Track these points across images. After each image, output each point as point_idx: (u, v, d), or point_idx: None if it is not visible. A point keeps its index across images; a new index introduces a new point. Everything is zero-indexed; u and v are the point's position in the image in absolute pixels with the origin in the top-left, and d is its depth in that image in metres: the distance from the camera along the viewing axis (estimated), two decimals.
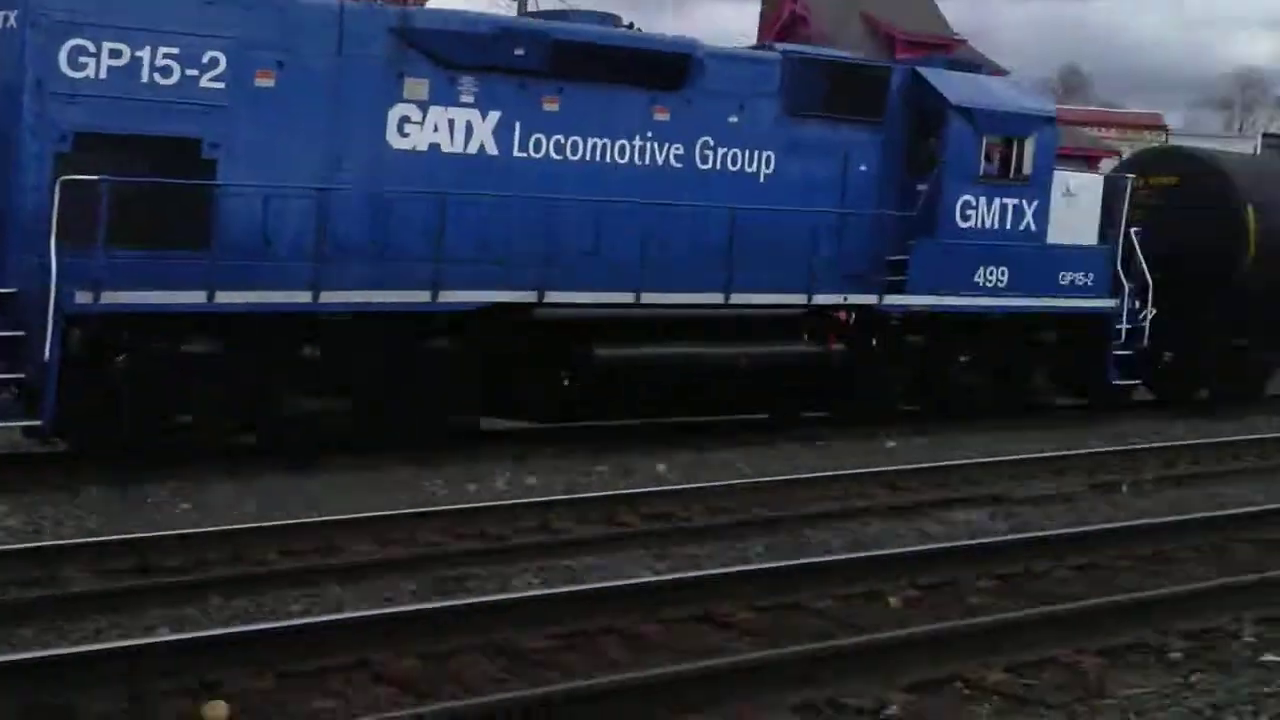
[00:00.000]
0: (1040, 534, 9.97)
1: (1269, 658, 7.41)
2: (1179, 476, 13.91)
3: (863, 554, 9.37)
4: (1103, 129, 54.23)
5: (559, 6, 19.07)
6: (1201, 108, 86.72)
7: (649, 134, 16.25)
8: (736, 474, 14.17)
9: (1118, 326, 19.29)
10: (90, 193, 12.71)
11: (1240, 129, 74.52)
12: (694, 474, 14.26)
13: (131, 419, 13.18)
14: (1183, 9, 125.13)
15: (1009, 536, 10.02)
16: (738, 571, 9.19)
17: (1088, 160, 36.75)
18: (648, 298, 15.66)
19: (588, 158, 15.87)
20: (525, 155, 15.48)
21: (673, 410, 16.87)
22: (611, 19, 16.70)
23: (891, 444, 16.25)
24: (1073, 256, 19.03)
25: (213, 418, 13.71)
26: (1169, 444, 16.17)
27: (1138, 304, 19.46)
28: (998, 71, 47.68)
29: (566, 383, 15.51)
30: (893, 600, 8.80)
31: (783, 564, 9.30)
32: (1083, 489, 12.76)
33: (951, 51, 48.02)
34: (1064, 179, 19.21)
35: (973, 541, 9.76)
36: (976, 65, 19.39)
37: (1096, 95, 78.04)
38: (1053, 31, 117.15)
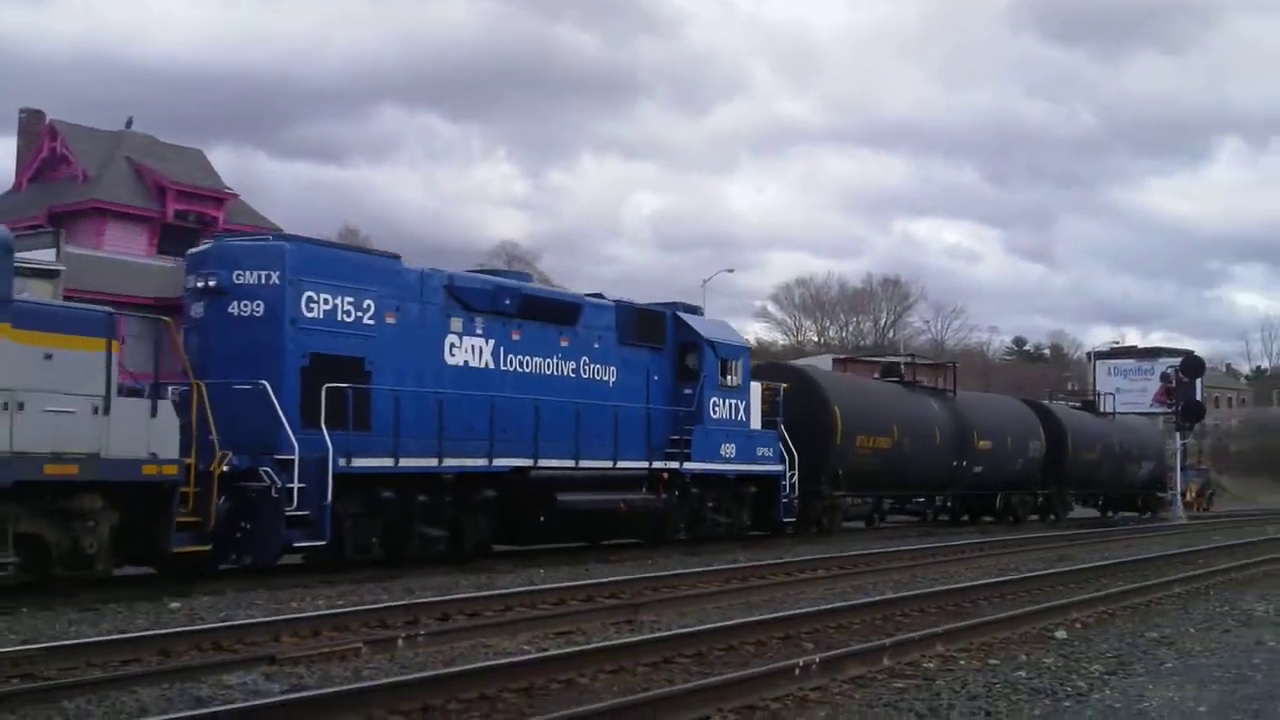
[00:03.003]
0: (310, 694, 9.64)
1: None
2: (454, 630, 13.70)
3: None
4: None
5: None
6: None
7: (559, 355, 24.36)
8: None
9: (783, 483, 29.18)
10: (349, 396, 19.45)
11: None
12: None
13: (352, 540, 19.76)
14: (436, 184, 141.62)
15: (279, 698, 9.68)
16: None
17: None
18: (588, 464, 23.74)
19: (534, 371, 23.75)
20: (508, 369, 23.18)
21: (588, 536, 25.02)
22: (527, 275, 24.74)
23: (175, 604, 15.88)
24: (761, 436, 28.78)
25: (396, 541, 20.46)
26: (448, 598, 16.17)
27: (788, 468, 29.43)
28: (274, 230, 51.74)
29: (542, 519, 23.15)
30: None
31: None
32: (360, 645, 12.34)
33: (225, 204, 49.61)
34: None
35: (239, 705, 9.26)
36: (695, 308, 28.73)
37: None
38: (324, 193, 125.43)
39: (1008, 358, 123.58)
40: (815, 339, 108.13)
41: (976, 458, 37.43)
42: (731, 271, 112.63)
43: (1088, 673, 11.80)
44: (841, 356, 61.58)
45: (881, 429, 33.00)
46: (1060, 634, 14.41)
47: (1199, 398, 53.84)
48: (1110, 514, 49.42)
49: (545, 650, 12.43)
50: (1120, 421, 49.26)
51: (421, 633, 13.25)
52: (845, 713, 9.91)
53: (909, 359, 40.90)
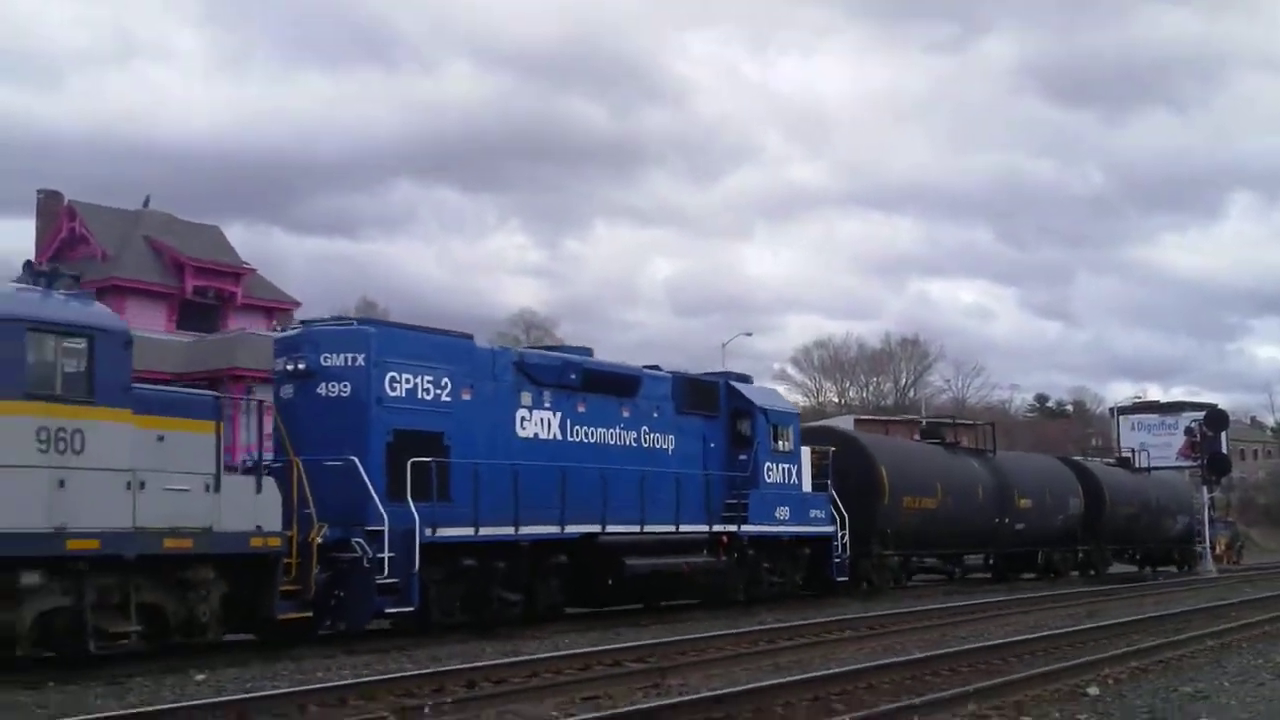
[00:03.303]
0: None
1: None
2: (480, 697, 13.74)
3: None
4: None
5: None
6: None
7: (621, 425, 25.45)
8: None
9: (834, 543, 30.16)
10: (431, 469, 20.58)
11: None
12: None
13: (437, 605, 20.80)
14: (451, 255, 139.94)
15: None
16: None
17: None
18: (652, 529, 24.78)
19: (599, 441, 24.84)
20: (575, 440, 24.29)
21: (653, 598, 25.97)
22: (588, 350, 25.93)
23: (201, 676, 15.89)
24: (813, 499, 29.80)
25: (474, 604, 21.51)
26: (474, 665, 16.10)
27: (839, 529, 30.43)
28: (291, 304, 52.20)
29: (610, 582, 24.17)
30: None
31: None
32: (387, 715, 12.42)
33: (243, 279, 49.69)
34: None
35: None
36: (745, 377, 29.88)
37: None
38: (339, 266, 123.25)
39: (1030, 415, 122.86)
40: (836, 400, 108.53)
41: (1018, 515, 38.32)
42: (750, 335, 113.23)
43: None
44: (865, 417, 62.35)
45: (926, 489, 33.99)
46: (1093, 690, 14.27)
47: (1224, 451, 54.14)
48: (1148, 569, 49.95)
49: (572, 715, 12.47)
50: (1154, 477, 50.05)
51: (448, 700, 13.19)
52: None
53: (949, 420, 41.89)
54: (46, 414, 15.54)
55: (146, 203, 52.66)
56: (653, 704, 12.86)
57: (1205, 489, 49.83)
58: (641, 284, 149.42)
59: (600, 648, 18.24)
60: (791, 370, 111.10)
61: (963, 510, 35.49)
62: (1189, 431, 56.64)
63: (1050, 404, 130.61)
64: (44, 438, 15.50)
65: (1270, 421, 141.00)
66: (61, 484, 15.58)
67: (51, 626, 15.82)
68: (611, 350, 27.03)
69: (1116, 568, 47.65)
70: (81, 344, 16.17)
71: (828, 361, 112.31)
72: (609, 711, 12.37)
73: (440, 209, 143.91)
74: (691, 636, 20.05)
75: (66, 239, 49.97)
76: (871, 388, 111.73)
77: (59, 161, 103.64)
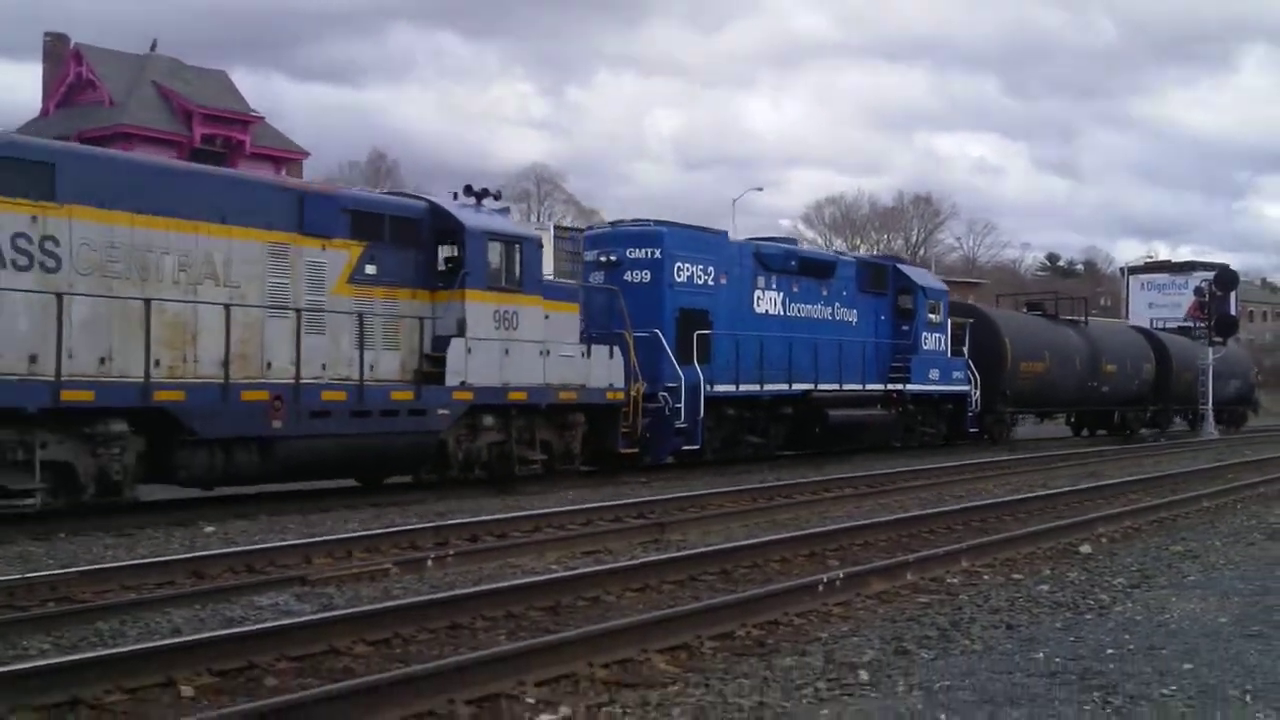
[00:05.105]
0: (341, 613, 9.70)
1: (544, 717, 7.59)
2: (482, 550, 13.92)
3: (152, 644, 8.64)
4: None
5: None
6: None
7: (821, 303, 31.30)
8: None
9: (969, 401, 36.21)
10: (708, 339, 26.51)
11: (538, 219, 77.22)
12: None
13: (710, 446, 26.84)
14: (454, 104, 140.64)
15: (310, 617, 9.67)
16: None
17: None
18: (846, 387, 30.79)
19: (808, 316, 30.71)
20: (792, 315, 30.16)
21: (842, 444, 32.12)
22: (794, 240, 31.64)
23: (210, 529, 16.02)
24: (955, 363, 35.76)
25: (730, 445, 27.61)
26: (477, 519, 16.25)
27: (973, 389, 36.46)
28: (300, 154, 52.48)
29: (817, 430, 30.26)
30: (185, 689, 8.08)
31: (65, 660, 8.19)
32: (390, 565, 12.64)
33: (251, 127, 49.29)
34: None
35: (271, 624, 9.27)
36: (903, 259, 35.60)
37: (405, 180, 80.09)
38: (342, 115, 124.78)
39: (1041, 274, 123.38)
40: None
41: (1104, 379, 44.21)
42: (761, 190, 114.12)
43: (1110, 586, 11.94)
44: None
45: (1037, 356, 39.89)
46: (1085, 549, 14.55)
47: (1233, 312, 55.98)
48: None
49: (573, 569, 12.59)
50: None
51: (450, 553, 13.46)
52: (869, 626, 9.95)
53: (1053, 296, 47.65)
54: (498, 301, 21.49)
55: (154, 46, 52.43)
56: (650, 558, 13.13)
57: (1210, 350, 50.06)
58: (646, 137, 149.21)
59: (602, 503, 18.88)
60: (802, 227, 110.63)
61: (1064, 374, 41.38)
62: (1198, 291, 56.93)
63: (1061, 263, 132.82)
64: (497, 319, 21.46)
65: None
66: (507, 352, 21.55)
67: (489, 454, 21.87)
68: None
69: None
70: (515, 248, 21.99)
71: (839, 218, 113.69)
72: (608, 565, 12.79)
73: (442, 56, 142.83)
74: (691, 494, 20.63)
75: (74, 83, 49.87)
76: (882, 245, 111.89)
77: (60, 2, 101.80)
